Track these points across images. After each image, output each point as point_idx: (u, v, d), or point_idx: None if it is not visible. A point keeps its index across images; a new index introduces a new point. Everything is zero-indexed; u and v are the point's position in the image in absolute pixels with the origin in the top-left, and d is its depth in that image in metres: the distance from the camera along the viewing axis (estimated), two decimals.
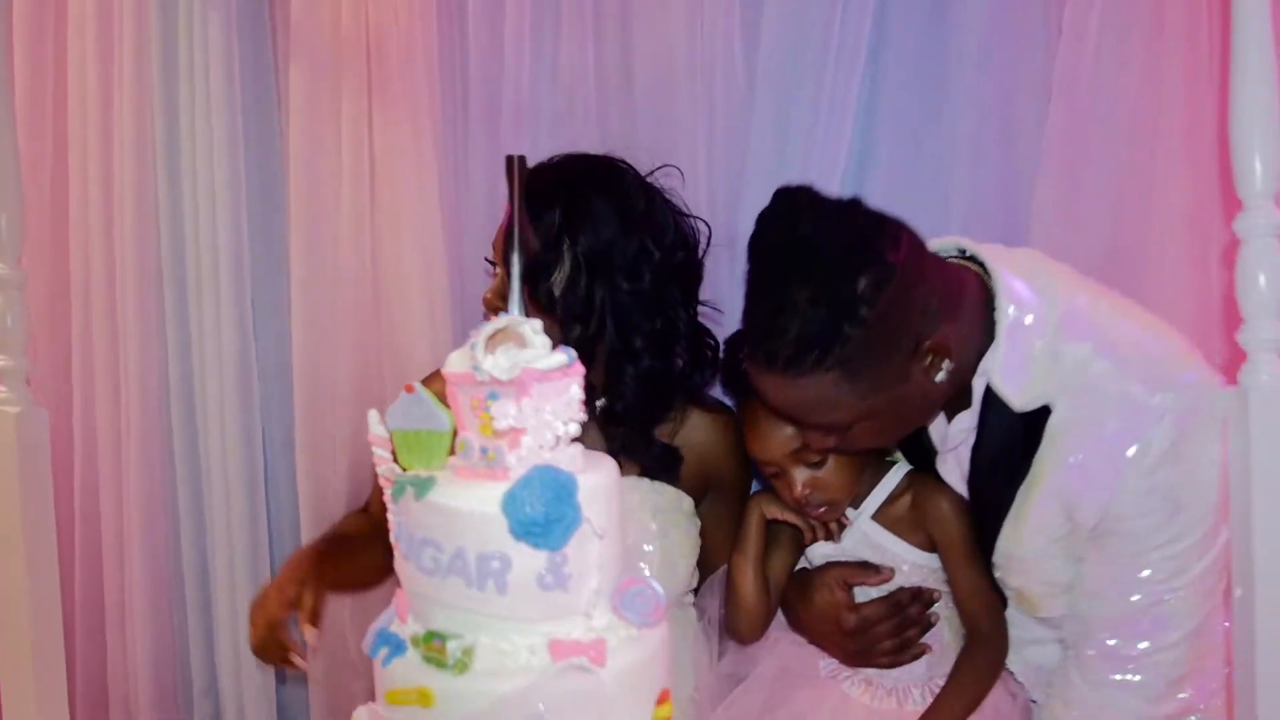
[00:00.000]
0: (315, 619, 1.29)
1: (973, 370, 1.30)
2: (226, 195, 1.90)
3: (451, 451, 0.96)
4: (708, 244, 1.55)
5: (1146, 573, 1.24)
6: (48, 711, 1.49)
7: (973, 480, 1.37)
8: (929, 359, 1.23)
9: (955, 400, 1.32)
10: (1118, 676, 1.28)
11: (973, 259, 1.35)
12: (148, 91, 1.92)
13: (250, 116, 1.94)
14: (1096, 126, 1.68)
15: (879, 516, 1.43)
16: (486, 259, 1.59)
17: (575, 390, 0.92)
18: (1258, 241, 1.25)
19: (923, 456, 1.44)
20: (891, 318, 1.18)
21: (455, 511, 0.87)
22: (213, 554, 1.96)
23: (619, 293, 1.44)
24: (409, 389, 0.95)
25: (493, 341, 0.94)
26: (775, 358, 1.18)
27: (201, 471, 1.96)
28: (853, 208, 1.26)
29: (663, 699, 0.87)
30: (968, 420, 1.33)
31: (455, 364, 0.96)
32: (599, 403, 1.48)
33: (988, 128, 1.74)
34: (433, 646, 0.88)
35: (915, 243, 1.26)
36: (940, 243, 1.37)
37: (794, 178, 1.37)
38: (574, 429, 0.91)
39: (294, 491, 1.95)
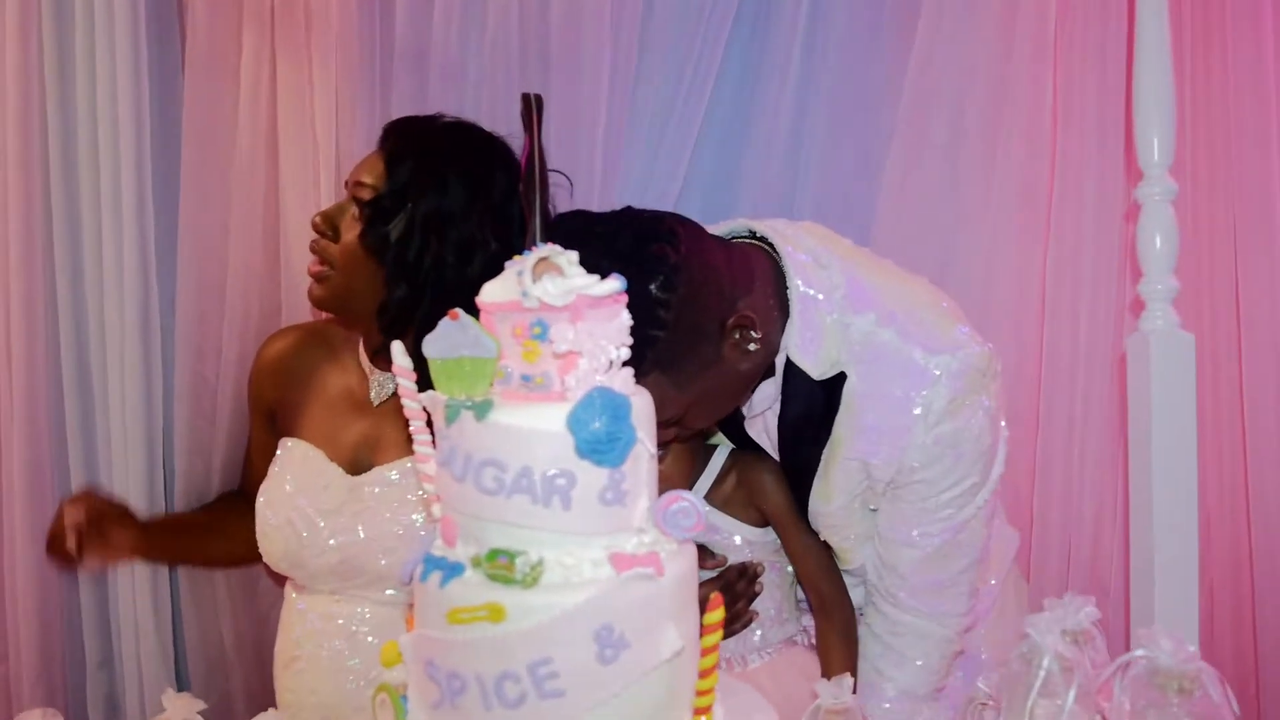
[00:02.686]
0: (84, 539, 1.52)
1: (779, 340, 1.41)
2: (130, 131, 1.77)
3: None
4: None
5: (940, 513, 1.41)
6: None
7: (781, 445, 1.50)
8: (736, 334, 1.34)
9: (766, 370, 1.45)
10: (918, 606, 1.44)
11: (763, 239, 1.47)
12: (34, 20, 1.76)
13: (152, 50, 1.82)
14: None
15: (709, 498, 1.54)
16: (346, 183, 1.57)
17: (625, 316, 0.95)
18: (1155, 207, 1.44)
19: (735, 428, 1.55)
20: (690, 309, 1.28)
21: (522, 431, 0.89)
22: None
23: (444, 267, 1.47)
24: (453, 315, 0.95)
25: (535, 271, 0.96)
26: None
27: (95, 428, 1.82)
28: (623, 217, 1.35)
29: (714, 605, 0.93)
30: (771, 388, 1.46)
31: (496, 293, 0.97)
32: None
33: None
34: (498, 564, 0.89)
35: (694, 233, 1.36)
36: (729, 225, 1.51)
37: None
38: (624, 353, 0.94)
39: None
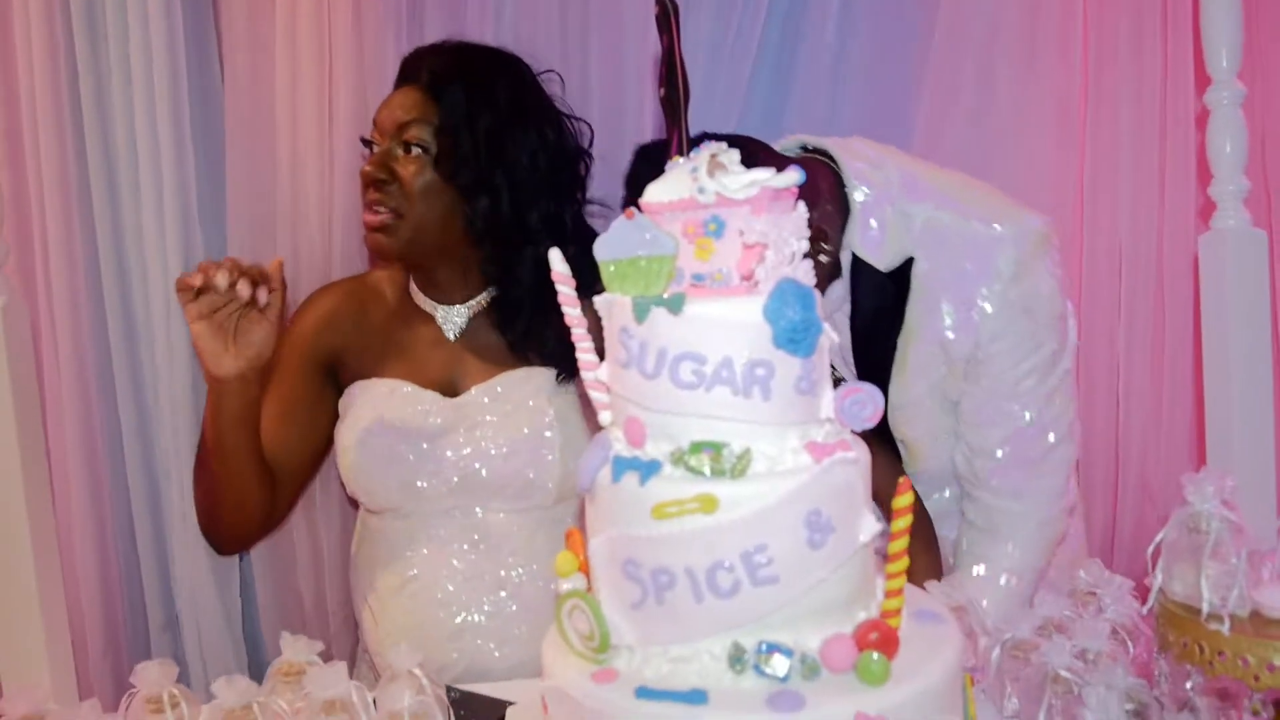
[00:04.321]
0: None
1: (841, 242, 1.49)
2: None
3: None
4: (590, 144, 1.65)
5: (1023, 385, 1.47)
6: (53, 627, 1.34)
7: (856, 346, 1.55)
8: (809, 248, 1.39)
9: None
10: (1015, 488, 1.49)
11: (817, 150, 1.53)
12: None
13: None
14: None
15: None
16: (363, 139, 1.58)
17: (802, 209, 0.95)
18: (1223, 111, 1.48)
19: None
20: None
21: (723, 322, 0.89)
22: (164, 480, 1.78)
23: (518, 170, 1.53)
24: (629, 214, 0.94)
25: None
26: None
27: (145, 384, 1.77)
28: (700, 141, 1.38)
29: (904, 489, 0.94)
30: (840, 289, 1.52)
31: (665, 192, 0.96)
32: (486, 295, 1.58)
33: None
34: (702, 457, 0.89)
35: (772, 152, 1.44)
36: (783, 142, 1.57)
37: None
38: (804, 245, 0.95)
39: None
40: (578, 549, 1.00)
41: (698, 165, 0.94)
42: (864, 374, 1.54)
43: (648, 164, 1.46)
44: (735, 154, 0.96)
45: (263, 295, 1.35)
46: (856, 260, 1.49)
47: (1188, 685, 0.99)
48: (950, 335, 1.45)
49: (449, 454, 1.51)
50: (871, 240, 1.47)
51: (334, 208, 1.82)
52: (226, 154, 1.80)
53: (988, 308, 1.43)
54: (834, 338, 0.94)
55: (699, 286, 0.95)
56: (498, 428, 1.52)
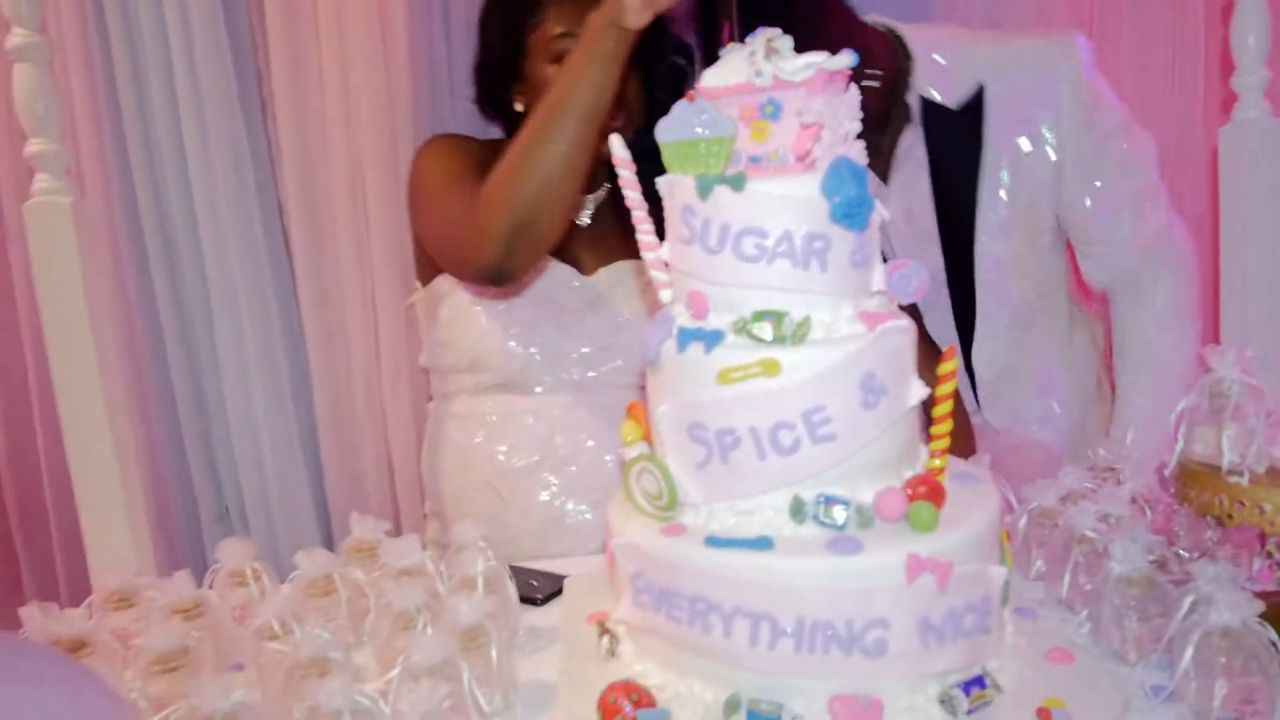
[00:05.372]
0: None
1: (905, 85, 1.58)
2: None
3: None
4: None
5: (1124, 156, 1.59)
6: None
7: (937, 190, 1.63)
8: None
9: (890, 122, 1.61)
10: (1163, 287, 1.63)
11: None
12: None
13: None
14: None
15: None
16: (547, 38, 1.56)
17: (854, 91, 0.99)
18: (1248, 4, 1.51)
19: None
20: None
21: (783, 198, 0.94)
22: (208, 377, 1.85)
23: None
24: (690, 97, 0.99)
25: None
26: None
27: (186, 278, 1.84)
28: None
29: (948, 355, 1.00)
30: (911, 136, 1.61)
31: (722, 77, 1.01)
32: (605, 188, 1.64)
33: None
34: (765, 325, 0.95)
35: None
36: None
37: None
38: (858, 126, 0.99)
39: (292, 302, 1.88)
40: (640, 419, 1.07)
41: (755, 50, 0.98)
42: (953, 207, 1.63)
43: None
44: (789, 40, 1.00)
45: None
46: (928, 108, 1.58)
47: (1207, 536, 1.07)
48: (1031, 148, 1.56)
49: (592, 324, 1.59)
50: (939, 73, 1.56)
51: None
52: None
53: (1066, 111, 1.55)
54: (885, 214, 1.00)
55: (756, 167, 1.00)
56: (616, 310, 1.60)
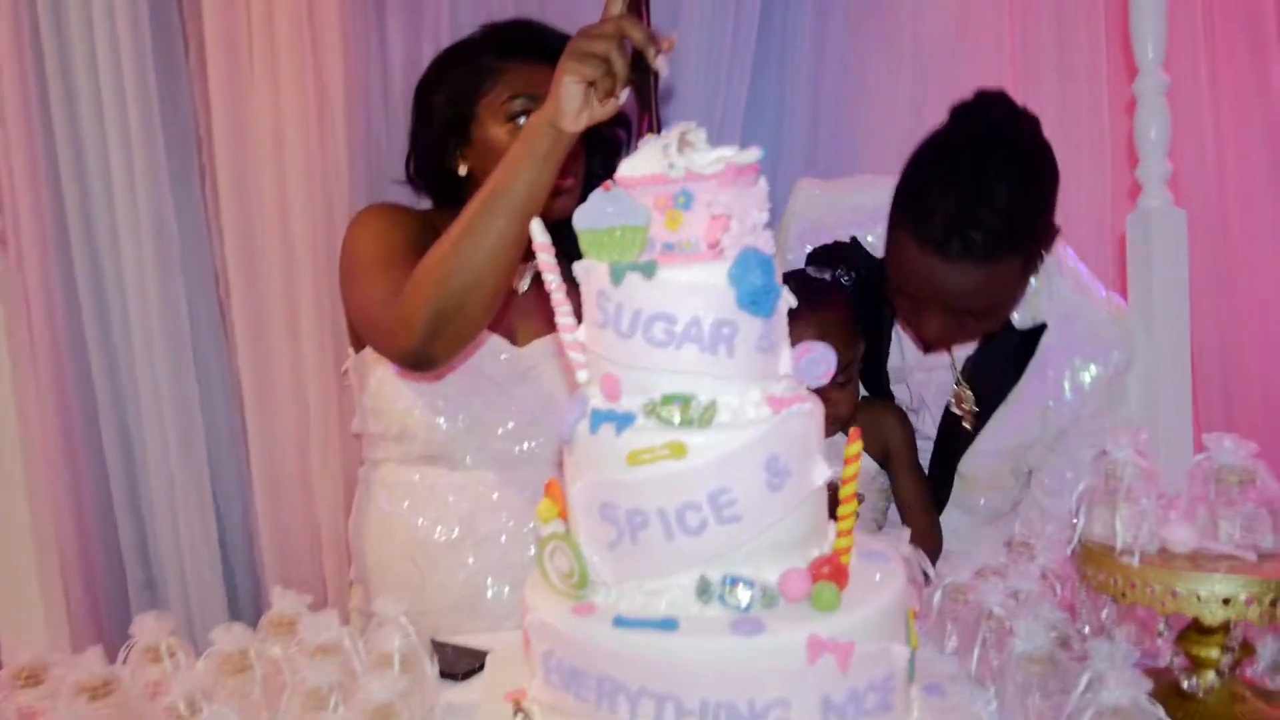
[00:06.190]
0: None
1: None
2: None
3: None
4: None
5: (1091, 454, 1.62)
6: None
7: (971, 382, 1.66)
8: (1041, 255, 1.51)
9: None
10: None
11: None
12: None
13: None
14: None
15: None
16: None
17: (763, 184, 1.04)
18: (1150, 99, 1.60)
19: (877, 385, 1.75)
20: (1051, 211, 1.45)
21: (692, 285, 0.98)
22: (138, 444, 1.84)
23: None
24: (606, 187, 1.02)
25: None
26: (973, 245, 1.37)
27: (117, 347, 1.83)
28: (1029, 116, 1.48)
29: (854, 438, 1.04)
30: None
31: (637, 168, 1.05)
32: None
33: None
34: (673, 408, 0.98)
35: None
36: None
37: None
38: (765, 217, 1.04)
39: (226, 368, 1.88)
40: (557, 497, 1.09)
41: (669, 143, 1.02)
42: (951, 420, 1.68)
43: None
44: (703, 132, 1.05)
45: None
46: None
47: (1104, 614, 1.10)
48: (1052, 404, 1.60)
49: (519, 399, 1.60)
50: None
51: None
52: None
53: (1088, 391, 1.58)
54: (791, 301, 1.04)
55: (669, 254, 1.04)
56: (545, 383, 1.62)
